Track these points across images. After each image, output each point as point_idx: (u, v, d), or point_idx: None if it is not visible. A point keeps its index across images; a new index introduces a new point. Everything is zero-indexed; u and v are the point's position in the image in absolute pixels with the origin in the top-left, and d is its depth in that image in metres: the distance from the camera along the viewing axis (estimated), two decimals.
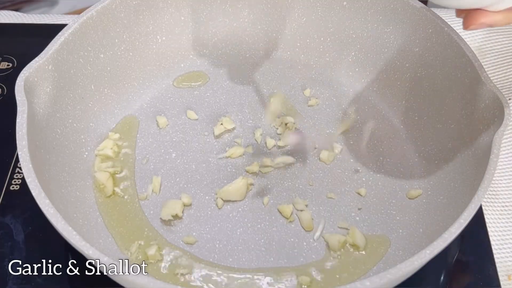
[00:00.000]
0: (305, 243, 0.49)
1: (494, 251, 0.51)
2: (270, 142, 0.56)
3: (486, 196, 0.55)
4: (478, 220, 0.53)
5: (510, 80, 0.66)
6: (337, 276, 0.47)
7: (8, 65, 0.66)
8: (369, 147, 0.56)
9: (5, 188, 0.54)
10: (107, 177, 0.52)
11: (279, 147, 0.56)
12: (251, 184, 0.53)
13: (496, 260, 0.51)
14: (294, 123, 0.58)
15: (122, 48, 0.57)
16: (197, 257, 0.48)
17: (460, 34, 0.52)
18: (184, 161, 0.55)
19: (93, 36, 0.53)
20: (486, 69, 0.49)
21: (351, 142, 0.57)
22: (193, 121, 0.59)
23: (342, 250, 0.49)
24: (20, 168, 0.55)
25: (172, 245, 0.49)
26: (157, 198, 0.52)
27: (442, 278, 0.50)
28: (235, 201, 0.52)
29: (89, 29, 0.53)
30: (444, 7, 0.44)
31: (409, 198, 0.52)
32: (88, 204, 0.50)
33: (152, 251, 0.47)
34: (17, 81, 0.45)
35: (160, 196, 0.52)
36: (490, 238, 0.52)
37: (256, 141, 0.57)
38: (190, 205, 0.52)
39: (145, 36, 0.59)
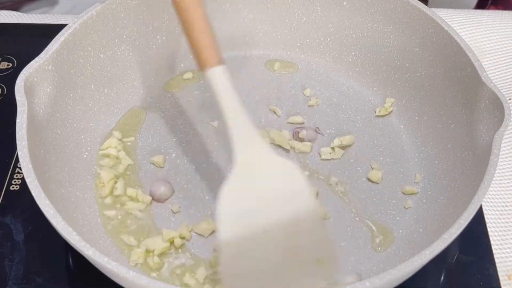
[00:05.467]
0: None
1: (494, 251, 0.51)
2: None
3: (486, 196, 0.55)
4: (478, 220, 0.53)
5: (510, 80, 0.66)
6: None
7: (8, 65, 0.66)
8: (369, 147, 0.56)
9: (5, 188, 0.54)
10: (111, 176, 0.52)
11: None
12: None
13: (496, 260, 0.51)
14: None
15: (122, 48, 0.57)
16: (197, 257, 0.48)
17: (460, 34, 0.52)
18: (184, 162, 0.55)
19: (93, 36, 0.53)
20: (486, 69, 0.49)
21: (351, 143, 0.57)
22: (194, 121, 0.59)
23: None
24: (20, 168, 0.55)
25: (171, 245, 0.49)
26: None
27: (442, 278, 0.50)
28: None
29: (89, 29, 0.53)
30: None
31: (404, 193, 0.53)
32: (88, 205, 0.50)
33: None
34: (17, 81, 0.44)
35: None
36: (490, 238, 0.52)
37: None
38: (179, 212, 0.51)
39: (145, 36, 0.59)
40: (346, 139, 0.56)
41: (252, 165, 0.44)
